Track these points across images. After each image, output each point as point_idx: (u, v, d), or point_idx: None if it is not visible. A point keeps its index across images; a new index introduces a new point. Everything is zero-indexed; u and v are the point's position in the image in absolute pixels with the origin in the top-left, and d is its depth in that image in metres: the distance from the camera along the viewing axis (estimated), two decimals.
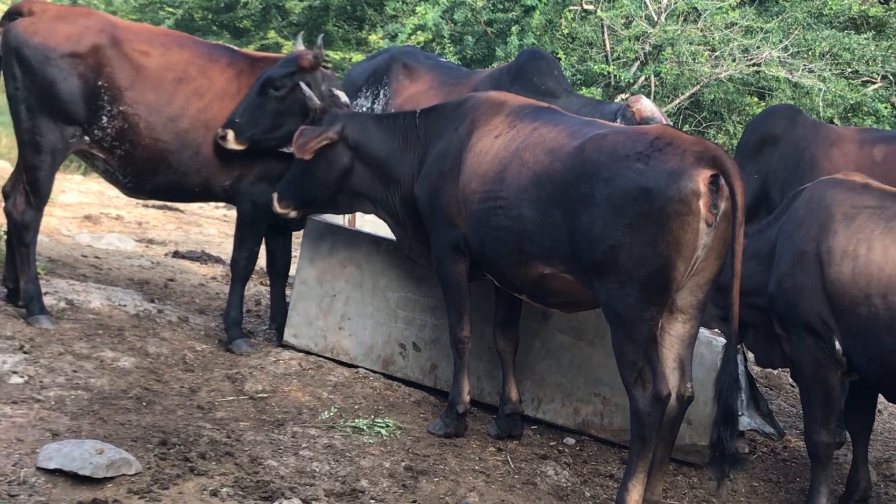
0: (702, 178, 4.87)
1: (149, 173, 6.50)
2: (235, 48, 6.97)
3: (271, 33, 15.70)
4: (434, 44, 13.67)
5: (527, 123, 5.64)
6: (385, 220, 6.33)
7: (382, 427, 5.77)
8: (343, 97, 6.45)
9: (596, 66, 13.79)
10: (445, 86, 7.86)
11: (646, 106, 7.06)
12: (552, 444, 6.10)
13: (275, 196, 6.27)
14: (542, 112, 5.75)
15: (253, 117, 6.37)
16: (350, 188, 6.20)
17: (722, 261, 5.08)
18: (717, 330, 6.07)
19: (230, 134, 6.36)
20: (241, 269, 6.70)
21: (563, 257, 5.26)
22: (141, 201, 10.44)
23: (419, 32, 13.46)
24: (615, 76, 13.90)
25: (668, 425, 5.18)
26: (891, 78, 16.98)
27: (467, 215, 5.67)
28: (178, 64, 6.49)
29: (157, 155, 6.44)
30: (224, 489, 4.78)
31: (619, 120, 6.98)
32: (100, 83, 6.32)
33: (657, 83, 14.34)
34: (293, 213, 6.34)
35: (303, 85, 6.25)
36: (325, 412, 5.84)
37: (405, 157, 6.11)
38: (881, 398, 5.76)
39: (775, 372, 7.77)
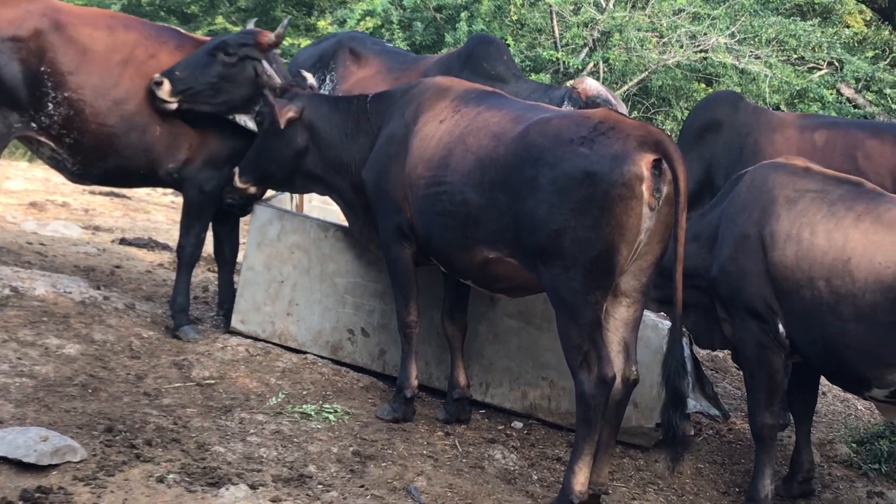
0: (645, 162, 4.91)
1: (97, 159, 6.44)
2: (183, 31, 6.92)
3: (219, 19, 15.58)
4: (383, 30, 13.63)
5: (471, 108, 5.65)
6: (337, 203, 6.34)
7: (330, 413, 5.77)
8: (311, 78, 6.44)
9: (545, 53, 13.81)
10: (393, 71, 7.86)
11: (591, 86, 7.12)
12: (500, 428, 6.13)
13: (236, 171, 6.29)
14: (487, 97, 5.77)
15: (194, 74, 6.29)
16: (305, 169, 6.23)
17: (664, 245, 5.13)
18: (662, 313, 6.11)
19: (166, 84, 6.27)
20: (187, 255, 6.66)
21: (508, 242, 5.29)
22: (88, 188, 10.36)
23: (368, 18, 13.42)
24: (564, 62, 13.92)
25: (614, 408, 5.22)
26: (836, 64, 17.17)
27: (413, 201, 5.68)
28: (124, 46, 6.42)
29: (105, 140, 6.37)
30: (170, 475, 4.76)
31: (566, 102, 7.03)
32: (43, 68, 6.25)
33: (606, 69, 14.39)
34: (252, 189, 6.38)
35: (265, 64, 6.24)
36: (273, 398, 5.83)
37: (356, 141, 6.11)
38: (824, 380, 5.84)
39: (721, 355, 7.85)
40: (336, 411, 5.80)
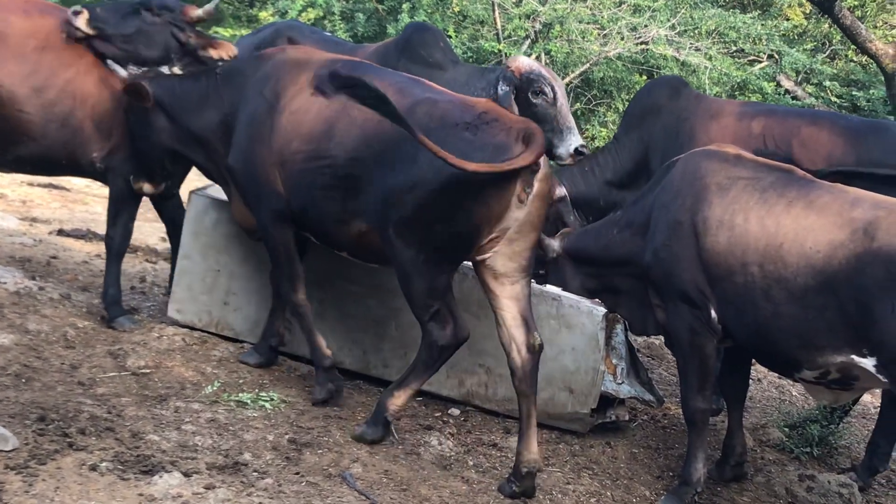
0: (522, 156, 5.03)
1: (10, 144, 6.37)
2: None
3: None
4: (325, 21, 13.61)
5: None
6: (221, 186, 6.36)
7: (267, 401, 5.77)
8: (233, 50, 6.45)
9: (487, 45, 13.85)
10: None
11: (524, 63, 7.18)
12: (437, 415, 6.15)
13: (131, 178, 6.37)
14: (362, 67, 5.79)
15: (114, 19, 6.27)
16: (176, 153, 6.30)
17: (538, 232, 5.37)
18: (598, 300, 6.16)
19: (85, 14, 6.23)
20: (116, 246, 6.61)
21: (378, 213, 5.35)
22: (26, 179, 10.24)
23: (310, 9, 13.39)
24: (506, 54, 13.96)
25: (528, 379, 5.35)
26: (776, 57, 17.35)
27: (287, 177, 5.68)
28: (40, 31, 6.35)
29: (21, 127, 6.29)
30: (103, 464, 4.74)
31: (501, 82, 7.07)
32: None
33: (548, 61, 14.44)
34: (147, 188, 6.43)
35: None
36: (209, 387, 5.82)
37: (210, 117, 6.11)
38: (759, 366, 5.92)
39: (657, 342, 7.92)
40: (272, 399, 5.80)
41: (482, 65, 13.90)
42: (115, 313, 6.49)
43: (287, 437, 5.42)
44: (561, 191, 7.04)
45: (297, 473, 5.08)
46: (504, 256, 5.29)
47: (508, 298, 5.37)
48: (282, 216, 5.78)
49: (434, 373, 5.50)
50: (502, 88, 7.13)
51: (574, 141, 7.12)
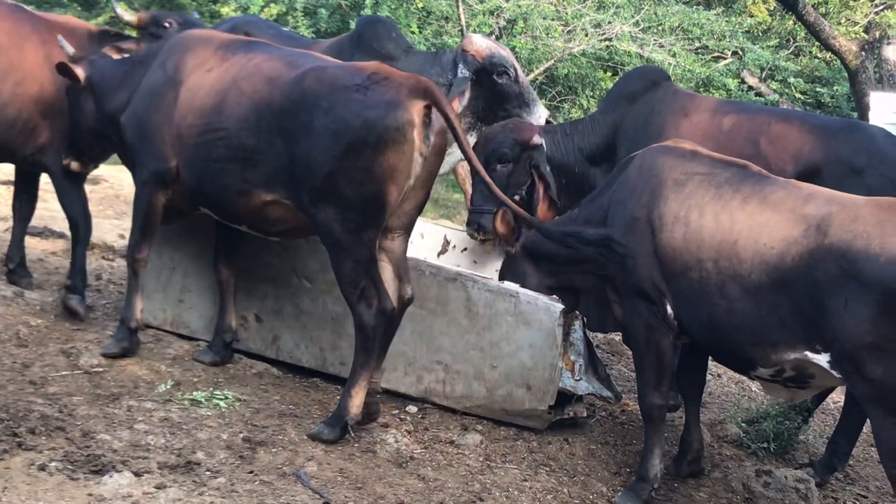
0: (416, 109, 5.24)
1: None
2: (34, 11, 6.82)
3: (122, 4, 15.34)
4: (288, 16, 13.56)
5: (240, 56, 5.81)
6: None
7: (221, 399, 5.73)
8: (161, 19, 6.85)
9: (451, 41, 13.84)
10: None
11: (482, 45, 7.22)
12: (394, 412, 6.12)
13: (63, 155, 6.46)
14: (256, 45, 5.97)
15: None
16: (102, 133, 6.34)
17: (427, 190, 5.53)
18: (555, 296, 6.14)
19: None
20: (82, 230, 6.75)
21: (284, 184, 5.48)
22: None
23: (272, 5, 13.34)
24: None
25: (392, 326, 5.61)
26: (740, 53, 17.43)
27: (183, 151, 5.78)
28: None
29: None
30: (52, 464, 4.69)
31: (461, 66, 7.10)
32: None
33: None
34: (74, 165, 6.47)
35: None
36: (163, 385, 5.77)
37: (122, 98, 6.19)
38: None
39: (616, 338, 7.92)
40: (227, 398, 5.76)
41: None
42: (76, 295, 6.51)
43: (241, 435, 5.37)
44: (537, 139, 7.05)
45: (251, 472, 5.04)
46: (395, 215, 5.44)
47: (391, 252, 5.56)
48: (163, 183, 5.87)
49: (375, 355, 5.51)
50: (462, 71, 7.18)
51: (542, 112, 7.43)
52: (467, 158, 5.51)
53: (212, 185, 5.70)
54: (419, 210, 5.61)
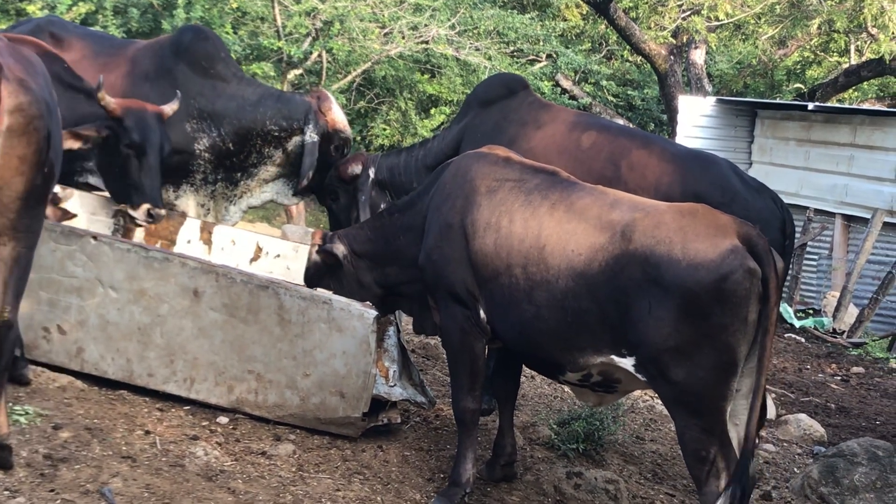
0: None
1: None
2: None
3: None
4: (97, 15, 13.17)
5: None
6: None
7: (21, 415, 5.49)
8: None
9: (266, 42, 13.70)
10: (100, 56, 7.58)
11: (339, 118, 7.44)
12: (204, 424, 5.98)
13: None
14: None
15: None
16: None
17: (23, 179, 4.58)
18: (368, 303, 6.11)
19: None
20: None
21: None
22: None
23: (80, 3, 12.93)
24: (287, 52, 13.83)
25: None
26: (554, 56, 17.76)
27: None
28: None
29: None
30: None
31: (311, 125, 7.13)
32: None
33: (329, 59, 14.38)
34: None
35: None
36: None
37: None
38: None
39: (432, 342, 7.94)
40: (27, 413, 5.53)
41: (261, 62, 13.74)
42: None
43: (42, 452, 5.16)
44: (353, 170, 7.36)
45: (52, 490, 4.85)
46: None
47: None
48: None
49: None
50: (312, 136, 7.22)
51: None
52: None
53: None
54: (21, 204, 4.62)
